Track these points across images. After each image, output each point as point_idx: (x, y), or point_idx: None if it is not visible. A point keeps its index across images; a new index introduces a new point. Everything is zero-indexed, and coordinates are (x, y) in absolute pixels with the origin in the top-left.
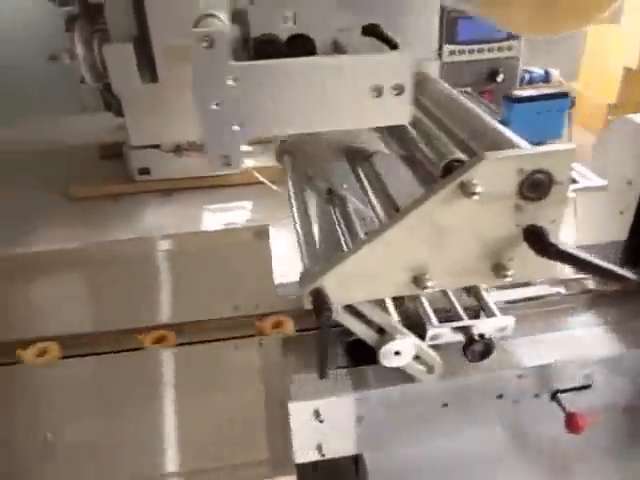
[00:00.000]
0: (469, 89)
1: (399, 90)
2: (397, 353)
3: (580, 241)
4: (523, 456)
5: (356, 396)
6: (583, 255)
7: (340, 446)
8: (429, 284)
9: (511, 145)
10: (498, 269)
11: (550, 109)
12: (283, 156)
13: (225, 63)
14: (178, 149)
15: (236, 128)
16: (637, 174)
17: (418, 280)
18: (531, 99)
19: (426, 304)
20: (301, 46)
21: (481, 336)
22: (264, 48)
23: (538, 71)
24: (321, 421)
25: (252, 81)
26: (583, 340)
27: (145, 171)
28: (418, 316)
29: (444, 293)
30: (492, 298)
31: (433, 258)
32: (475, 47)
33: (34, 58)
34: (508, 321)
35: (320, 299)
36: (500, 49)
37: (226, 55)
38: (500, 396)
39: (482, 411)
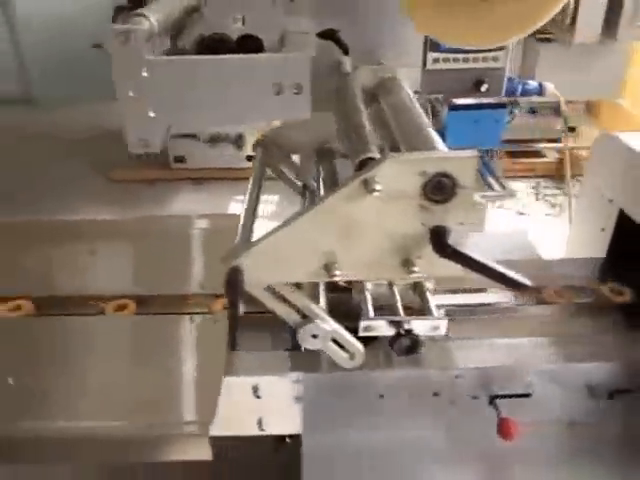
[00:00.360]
0: (440, 97)
1: (298, 89)
2: (314, 336)
3: (568, 254)
4: (455, 455)
5: (293, 377)
6: (478, 258)
7: (279, 424)
8: (337, 273)
9: (429, 148)
10: (407, 265)
11: (486, 118)
12: (257, 148)
13: (140, 57)
14: (213, 140)
15: (152, 115)
16: (618, 192)
17: (328, 268)
18: (467, 107)
19: (369, 298)
20: (249, 45)
21: (408, 331)
22: (215, 46)
23: (533, 83)
24: (258, 397)
25: (165, 74)
26: (526, 348)
27: (180, 159)
28: (359, 307)
29: (390, 289)
30: (444, 300)
31: (343, 249)
32: (460, 56)
33: (85, 46)
34: (441, 322)
35: (233, 278)
36: (485, 59)
37: (141, 50)
38: (436, 394)
39: (418, 407)
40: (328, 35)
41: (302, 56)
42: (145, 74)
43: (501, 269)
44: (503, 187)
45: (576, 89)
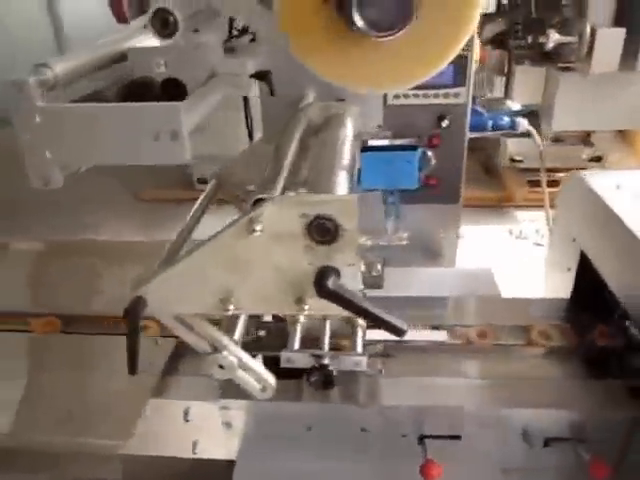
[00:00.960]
0: (389, 133)
1: (174, 136)
2: (221, 367)
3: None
4: None
5: (221, 403)
6: (356, 301)
7: (212, 449)
8: (231, 307)
9: (324, 190)
10: (299, 302)
11: (398, 159)
12: (211, 180)
13: (32, 105)
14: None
15: (49, 155)
16: (581, 232)
17: (224, 302)
18: (378, 149)
19: (298, 330)
20: (172, 89)
21: (323, 366)
22: (139, 91)
23: (505, 119)
24: (187, 420)
25: (54, 120)
26: (461, 390)
27: (204, 181)
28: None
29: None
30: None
31: (237, 284)
32: (420, 92)
33: None
34: (361, 359)
35: (133, 307)
36: (446, 95)
37: (34, 98)
38: (364, 429)
39: (345, 441)
40: (261, 76)
41: (176, 105)
42: (38, 120)
43: (379, 313)
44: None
45: (599, 119)
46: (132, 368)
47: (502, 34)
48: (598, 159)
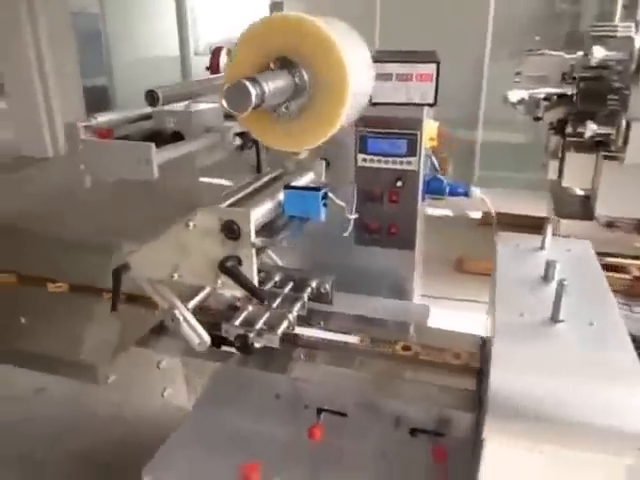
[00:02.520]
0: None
1: (147, 162)
2: (172, 320)
3: None
4: (278, 448)
5: (183, 360)
6: (240, 276)
7: (177, 396)
8: (175, 276)
9: (245, 207)
10: (216, 277)
11: (307, 196)
12: None
13: (78, 137)
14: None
15: (82, 167)
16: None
17: (172, 272)
18: (294, 188)
19: (244, 312)
20: (176, 138)
21: (242, 336)
22: (154, 137)
23: (461, 187)
24: (159, 368)
25: (89, 147)
26: (353, 379)
27: None
28: None
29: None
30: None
31: (181, 261)
32: (382, 158)
33: None
34: (274, 337)
35: (119, 269)
36: (401, 162)
37: (79, 134)
38: (277, 396)
39: (261, 406)
40: (241, 134)
41: (150, 145)
42: (80, 146)
43: (252, 285)
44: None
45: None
46: (114, 307)
47: (561, 121)
48: None
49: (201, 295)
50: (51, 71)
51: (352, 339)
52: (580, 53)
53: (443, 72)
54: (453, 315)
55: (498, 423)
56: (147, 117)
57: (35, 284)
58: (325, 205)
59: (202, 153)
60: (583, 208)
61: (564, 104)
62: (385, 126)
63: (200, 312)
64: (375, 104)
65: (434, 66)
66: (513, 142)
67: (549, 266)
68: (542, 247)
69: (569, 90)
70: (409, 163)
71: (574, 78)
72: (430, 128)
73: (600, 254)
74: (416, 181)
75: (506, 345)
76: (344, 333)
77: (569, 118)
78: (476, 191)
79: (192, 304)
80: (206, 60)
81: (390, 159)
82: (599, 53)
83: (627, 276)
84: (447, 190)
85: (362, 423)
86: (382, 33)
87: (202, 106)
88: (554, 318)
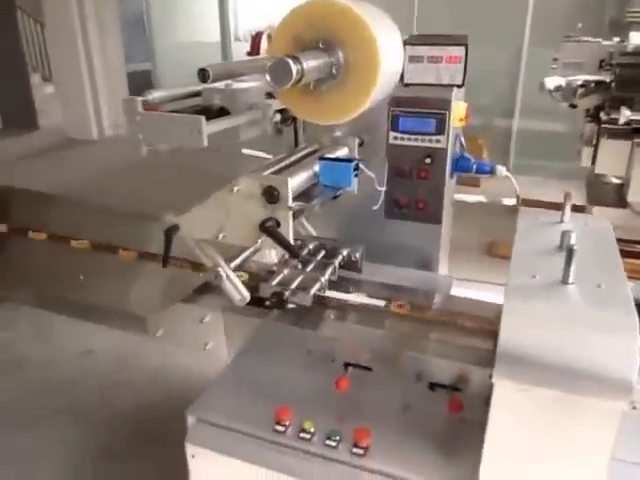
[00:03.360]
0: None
1: (199, 132)
2: (215, 277)
3: None
4: (309, 393)
5: (224, 315)
6: (278, 235)
7: (218, 348)
8: (220, 236)
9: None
10: (257, 237)
11: (339, 167)
12: None
13: (136, 110)
14: None
15: (140, 137)
16: None
17: (217, 233)
18: (327, 159)
19: (280, 276)
20: (222, 113)
21: (278, 294)
22: (203, 112)
23: (488, 165)
24: (202, 322)
25: (145, 119)
26: (378, 336)
27: None
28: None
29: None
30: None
31: (226, 223)
32: (412, 136)
33: None
34: (307, 296)
35: (170, 230)
36: (430, 140)
37: (137, 107)
38: (309, 351)
39: (294, 358)
40: (280, 111)
41: (200, 118)
42: (138, 118)
43: (288, 243)
44: None
45: None
46: (164, 264)
47: (596, 108)
48: None
49: (242, 256)
50: (97, 56)
51: (378, 302)
52: (616, 39)
53: (481, 59)
54: (481, 295)
55: (505, 368)
56: (196, 94)
57: (97, 249)
58: (356, 176)
59: (246, 127)
60: (617, 196)
61: (600, 91)
62: (416, 106)
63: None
64: (407, 85)
65: (463, 49)
66: (551, 131)
67: (564, 235)
68: (561, 220)
69: (606, 77)
70: (438, 141)
71: (611, 65)
72: (459, 109)
73: (633, 242)
74: (444, 158)
75: (516, 301)
76: (371, 297)
77: (604, 105)
78: (502, 169)
79: (234, 263)
80: (245, 46)
81: (420, 137)
82: (636, 39)
83: None
84: (474, 168)
85: (385, 377)
86: (420, 19)
87: (246, 85)
88: (564, 280)
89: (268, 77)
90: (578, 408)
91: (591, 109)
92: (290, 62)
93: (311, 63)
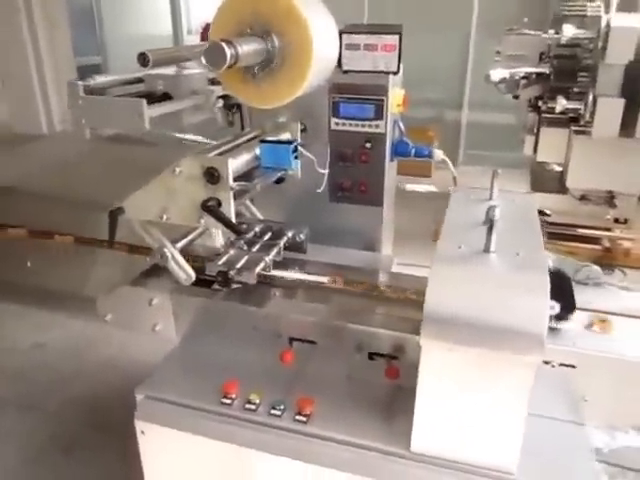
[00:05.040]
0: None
1: (140, 115)
2: (161, 257)
3: None
4: (253, 368)
5: (172, 297)
6: (220, 214)
7: (166, 330)
8: (164, 217)
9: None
10: (199, 217)
11: (279, 149)
12: None
13: (78, 95)
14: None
15: (84, 122)
16: None
17: (161, 214)
18: (268, 142)
19: (226, 256)
20: (165, 98)
21: (224, 273)
22: (146, 96)
23: (425, 148)
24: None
25: (88, 103)
26: (321, 311)
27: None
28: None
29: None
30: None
31: (169, 203)
32: (352, 122)
33: None
34: (250, 274)
35: (114, 212)
36: (370, 125)
37: (79, 91)
38: (255, 328)
39: (240, 335)
40: (223, 97)
41: (141, 101)
42: (80, 102)
43: (229, 221)
44: None
45: (608, 180)
46: (110, 245)
47: (537, 98)
48: (625, 221)
49: (188, 238)
50: (45, 50)
51: (322, 279)
52: (551, 32)
53: (431, 54)
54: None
55: (431, 330)
56: (140, 80)
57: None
58: (296, 158)
59: (189, 112)
60: (558, 183)
61: (540, 82)
62: (355, 92)
63: (189, 258)
64: (346, 72)
65: (397, 37)
66: (499, 122)
67: (489, 210)
68: (490, 198)
69: (546, 69)
70: (377, 126)
71: (550, 57)
72: (397, 95)
73: (574, 226)
74: (383, 143)
75: (442, 268)
76: (315, 275)
77: (544, 95)
78: (439, 152)
79: (180, 244)
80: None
81: (360, 122)
82: (569, 31)
83: (598, 247)
84: (413, 152)
85: (328, 350)
86: (370, 13)
87: (189, 71)
88: (486, 249)
89: (204, 60)
90: (498, 363)
91: (532, 99)
92: (224, 46)
93: (245, 48)
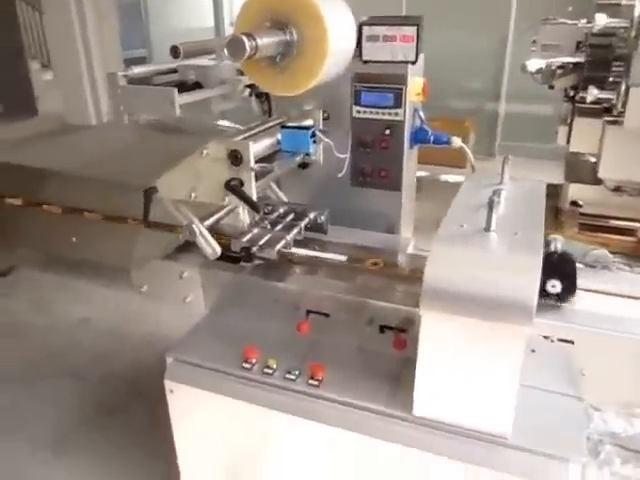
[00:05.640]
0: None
1: (171, 102)
2: (190, 233)
3: None
4: (277, 337)
5: (202, 270)
6: (241, 192)
7: (197, 302)
8: (193, 195)
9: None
10: (225, 195)
11: (298, 134)
12: None
13: (117, 83)
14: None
15: (122, 108)
16: None
17: (190, 192)
18: (290, 127)
19: (249, 235)
20: (196, 87)
21: (246, 249)
22: (179, 86)
23: (444, 135)
24: (181, 278)
25: (126, 91)
26: (335, 285)
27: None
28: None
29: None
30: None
31: (197, 183)
32: (373, 110)
33: None
34: (272, 251)
35: (149, 191)
36: (389, 113)
37: (119, 81)
38: (276, 300)
39: (265, 308)
40: (250, 85)
41: (173, 90)
42: (119, 91)
43: (250, 199)
44: None
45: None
46: (146, 222)
47: (572, 88)
48: None
49: (216, 216)
50: (94, 43)
51: (339, 257)
52: (584, 21)
53: (469, 46)
54: None
55: (430, 301)
56: (174, 71)
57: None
58: (315, 142)
59: (217, 100)
60: (593, 174)
61: (576, 71)
62: (376, 81)
63: (217, 236)
64: (366, 62)
65: (414, 28)
66: (537, 113)
67: (494, 192)
68: (501, 182)
69: (582, 58)
70: (396, 114)
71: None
72: (416, 84)
73: (606, 217)
74: (402, 130)
75: (442, 245)
76: (332, 253)
77: (579, 85)
78: (457, 140)
79: (207, 222)
80: None
81: (380, 110)
82: (601, 20)
83: (632, 238)
84: (432, 139)
85: (342, 323)
86: (408, 7)
87: (218, 62)
88: (486, 228)
89: (226, 51)
90: (492, 333)
91: (568, 89)
92: (244, 38)
93: (265, 40)
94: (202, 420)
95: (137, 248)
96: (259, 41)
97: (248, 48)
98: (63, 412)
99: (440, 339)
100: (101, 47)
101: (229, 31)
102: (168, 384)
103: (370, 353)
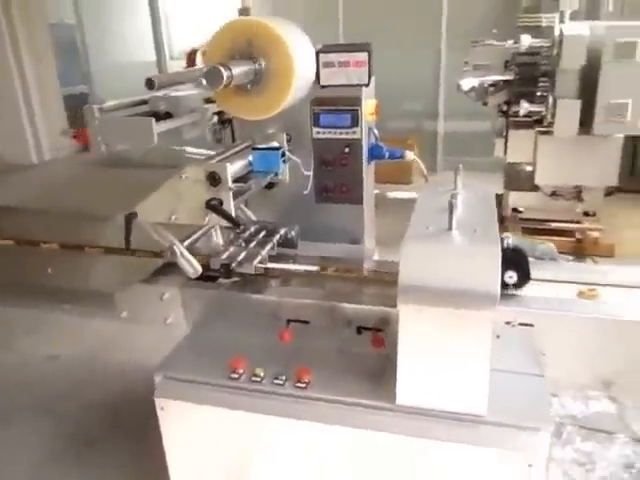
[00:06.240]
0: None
1: (148, 131)
2: (171, 254)
3: None
4: (258, 344)
5: (182, 290)
6: (222, 210)
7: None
8: (173, 218)
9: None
10: (205, 215)
11: (269, 154)
12: None
13: (94, 115)
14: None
15: (99, 139)
16: None
17: (170, 215)
18: (259, 149)
19: (227, 252)
20: (167, 116)
21: (225, 265)
22: (154, 115)
23: (398, 151)
24: (162, 300)
25: (103, 123)
26: (312, 293)
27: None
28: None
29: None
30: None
31: (177, 205)
32: (332, 130)
33: None
34: (251, 265)
35: (129, 217)
36: (347, 132)
37: (95, 113)
38: (256, 312)
39: (245, 318)
40: (218, 112)
41: (150, 119)
42: (96, 122)
43: (230, 216)
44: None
45: (574, 176)
46: (127, 246)
47: (504, 104)
48: (594, 214)
49: (194, 236)
50: (32, 81)
51: (312, 268)
52: (511, 42)
53: (404, 69)
54: None
55: (406, 295)
56: (144, 102)
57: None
58: (284, 162)
59: (188, 128)
60: (530, 181)
61: (507, 88)
62: (333, 104)
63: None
64: (323, 86)
65: (366, 54)
66: (476, 130)
67: (452, 197)
68: (455, 188)
69: (510, 76)
70: (354, 132)
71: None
72: (370, 105)
73: (546, 220)
74: (360, 147)
75: (413, 243)
76: (306, 265)
77: (511, 100)
78: (410, 154)
79: (187, 242)
80: (180, 64)
81: (338, 130)
82: (526, 41)
83: (571, 239)
84: (387, 155)
85: (321, 328)
86: (345, 34)
87: (186, 92)
88: (449, 228)
89: (204, 81)
90: (461, 320)
91: (500, 105)
92: (221, 69)
93: (238, 70)
94: (195, 434)
95: (116, 275)
96: (234, 71)
97: (225, 77)
98: (38, 447)
99: (418, 330)
100: (39, 85)
101: (171, 65)
102: (158, 402)
103: (350, 353)
